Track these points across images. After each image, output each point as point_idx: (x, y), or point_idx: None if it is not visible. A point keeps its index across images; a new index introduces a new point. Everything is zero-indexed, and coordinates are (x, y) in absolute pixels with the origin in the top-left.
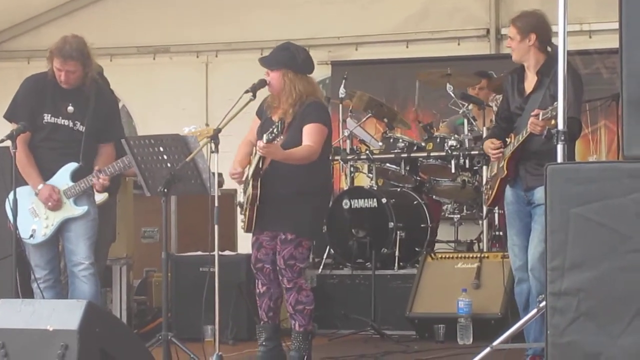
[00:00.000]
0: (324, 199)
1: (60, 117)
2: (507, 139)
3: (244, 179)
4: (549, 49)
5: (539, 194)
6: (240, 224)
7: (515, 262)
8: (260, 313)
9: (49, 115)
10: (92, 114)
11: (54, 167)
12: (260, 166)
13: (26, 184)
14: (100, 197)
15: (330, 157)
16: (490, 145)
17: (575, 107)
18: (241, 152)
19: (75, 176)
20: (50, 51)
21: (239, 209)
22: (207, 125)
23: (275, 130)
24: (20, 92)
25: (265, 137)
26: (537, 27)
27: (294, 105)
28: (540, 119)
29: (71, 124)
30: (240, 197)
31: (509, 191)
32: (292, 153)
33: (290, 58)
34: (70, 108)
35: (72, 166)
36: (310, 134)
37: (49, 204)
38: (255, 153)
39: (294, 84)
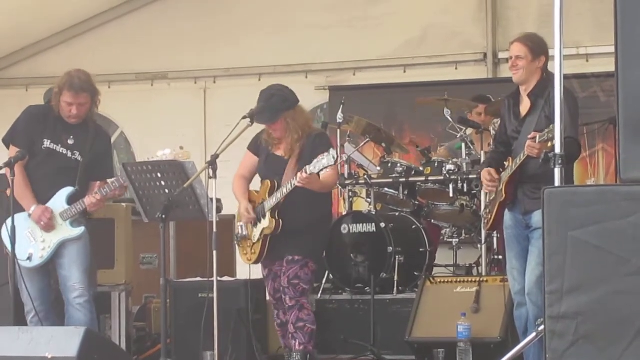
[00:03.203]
0: (327, 226)
1: (60, 145)
2: (505, 163)
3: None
4: (544, 73)
5: (536, 217)
6: (237, 255)
7: (515, 286)
8: (284, 342)
9: (49, 141)
10: (91, 146)
11: (47, 191)
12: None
13: (23, 210)
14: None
15: None
16: (487, 177)
17: (572, 127)
18: (241, 188)
19: (71, 200)
20: (58, 87)
21: (237, 242)
22: (181, 148)
23: (324, 161)
24: (21, 119)
25: (310, 168)
26: (546, 50)
27: (299, 140)
28: (537, 141)
29: (69, 154)
30: (241, 231)
31: (507, 215)
32: (324, 181)
33: (283, 100)
34: (70, 141)
35: (68, 190)
36: None
37: (42, 223)
38: (271, 189)
39: (297, 121)
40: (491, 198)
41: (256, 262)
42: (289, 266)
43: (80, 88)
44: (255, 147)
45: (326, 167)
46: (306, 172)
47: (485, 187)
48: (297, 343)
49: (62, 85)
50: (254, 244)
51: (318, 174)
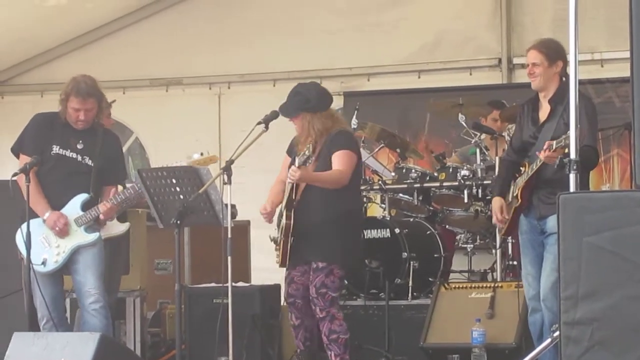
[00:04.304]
0: (353, 226)
1: (69, 150)
2: (521, 168)
3: (276, 215)
4: (563, 78)
5: (551, 222)
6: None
7: (529, 291)
8: (296, 342)
9: (58, 147)
10: (100, 150)
11: (59, 197)
12: (294, 197)
13: (37, 216)
14: (122, 227)
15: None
16: (498, 214)
17: (590, 135)
18: (274, 190)
19: (86, 206)
20: (64, 93)
21: (273, 245)
22: (208, 153)
23: (307, 151)
24: (29, 127)
25: (297, 160)
26: (563, 55)
27: (314, 143)
28: (554, 148)
29: (79, 158)
30: (274, 233)
31: (523, 220)
32: (322, 175)
33: (303, 101)
34: (79, 145)
35: (82, 196)
36: (339, 159)
37: (56, 228)
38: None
39: (312, 125)
40: (507, 203)
41: (282, 265)
42: (315, 275)
43: (87, 93)
44: (290, 149)
45: (307, 159)
46: (294, 166)
47: (494, 219)
48: (332, 354)
49: (68, 91)
50: (279, 246)
51: (326, 168)
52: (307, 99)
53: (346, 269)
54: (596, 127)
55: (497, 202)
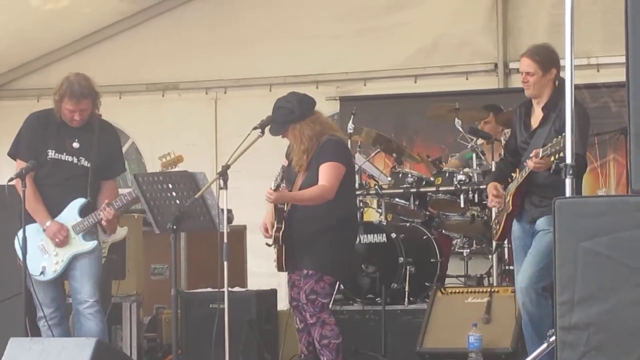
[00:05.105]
0: (346, 234)
1: (65, 153)
2: (513, 174)
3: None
4: (557, 82)
5: (541, 222)
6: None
7: (520, 297)
8: (300, 347)
9: (53, 151)
10: (97, 149)
11: (57, 202)
12: (284, 207)
13: (34, 221)
14: (124, 232)
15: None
16: (493, 192)
17: (580, 144)
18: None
19: (83, 212)
20: (58, 94)
21: (270, 249)
22: (173, 153)
23: (278, 178)
24: (23, 129)
25: (272, 184)
26: (556, 62)
27: (307, 151)
28: (540, 156)
29: (75, 160)
30: (270, 239)
31: (515, 225)
32: (302, 194)
33: (287, 113)
34: (75, 144)
35: (80, 202)
36: (323, 173)
37: (57, 240)
38: None
39: (302, 133)
40: (500, 209)
41: (280, 270)
42: (305, 280)
43: (81, 95)
44: (287, 153)
45: (278, 183)
46: (269, 189)
47: (489, 202)
48: (324, 359)
49: (62, 93)
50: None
51: (315, 179)
52: (290, 110)
53: (337, 277)
54: (587, 136)
55: (491, 185)
